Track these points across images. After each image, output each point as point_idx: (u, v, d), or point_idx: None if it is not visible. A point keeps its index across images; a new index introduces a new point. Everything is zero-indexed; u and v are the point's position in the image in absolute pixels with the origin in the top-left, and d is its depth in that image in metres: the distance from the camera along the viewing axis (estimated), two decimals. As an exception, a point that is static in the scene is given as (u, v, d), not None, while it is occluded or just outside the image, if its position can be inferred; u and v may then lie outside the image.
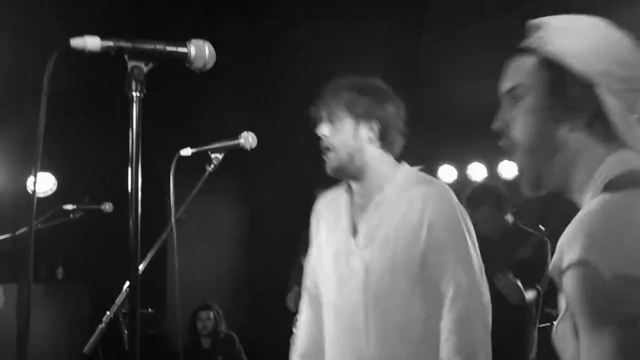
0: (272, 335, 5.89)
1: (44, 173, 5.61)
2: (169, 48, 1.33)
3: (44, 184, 5.61)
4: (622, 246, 0.99)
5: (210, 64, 1.38)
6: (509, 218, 4.06)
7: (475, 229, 2.18)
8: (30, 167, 1.26)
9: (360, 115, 2.14)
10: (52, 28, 3.43)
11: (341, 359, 2.16)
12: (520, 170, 1.29)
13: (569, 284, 1.03)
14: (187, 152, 2.23)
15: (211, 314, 5.82)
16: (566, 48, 1.20)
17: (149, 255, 2.21)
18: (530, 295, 3.76)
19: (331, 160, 2.17)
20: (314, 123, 2.22)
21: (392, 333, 2.08)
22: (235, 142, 2.32)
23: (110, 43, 1.27)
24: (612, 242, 1.00)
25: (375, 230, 2.14)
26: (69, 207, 3.98)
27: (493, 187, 4.39)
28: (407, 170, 2.23)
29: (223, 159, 2.33)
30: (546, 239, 3.92)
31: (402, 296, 2.08)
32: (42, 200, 5.44)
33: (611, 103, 1.17)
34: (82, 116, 5.47)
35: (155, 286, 5.94)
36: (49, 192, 5.63)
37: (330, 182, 2.34)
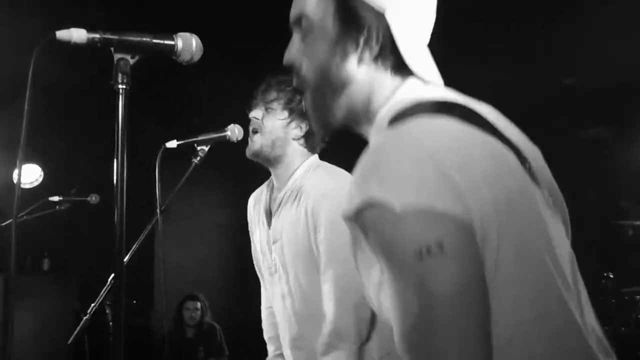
0: (257, 327, 5.91)
1: (30, 164, 5.58)
2: (156, 41, 1.33)
3: (30, 175, 5.58)
4: (405, 177, 0.93)
5: (197, 56, 1.38)
6: None
7: None
8: (15, 158, 1.26)
9: (295, 112, 2.26)
10: (38, 19, 3.41)
11: (282, 334, 2.33)
12: (309, 108, 1.22)
13: (369, 227, 0.94)
14: (173, 144, 2.23)
15: (198, 304, 5.84)
16: None
17: (134, 247, 2.21)
18: None
19: (255, 143, 2.27)
20: (250, 106, 2.31)
21: (314, 320, 2.17)
22: (222, 134, 2.32)
23: (97, 35, 1.27)
24: (394, 174, 0.93)
25: (279, 226, 2.25)
26: (55, 198, 3.97)
27: None
28: (309, 162, 2.30)
29: (209, 151, 2.33)
30: None
31: (316, 288, 2.16)
32: (28, 191, 5.42)
33: (400, 28, 1.12)
34: (70, 108, 5.44)
35: (142, 278, 5.95)
36: (35, 184, 5.60)
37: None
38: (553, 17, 4.43)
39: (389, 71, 1.15)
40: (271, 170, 2.35)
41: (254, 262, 2.54)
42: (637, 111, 5.81)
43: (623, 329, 4.82)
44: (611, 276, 5.12)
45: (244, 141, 2.36)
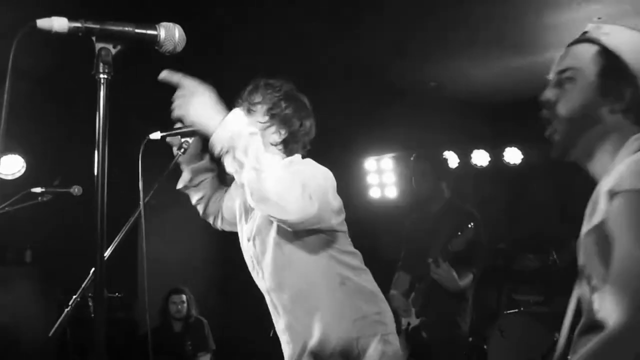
0: (242, 321, 5.91)
1: (12, 155, 5.53)
2: (138, 30, 1.31)
3: (12, 166, 5.53)
4: None
5: (180, 46, 1.37)
6: (446, 190, 4.34)
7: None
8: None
9: (276, 118, 2.29)
10: (18, 8, 3.37)
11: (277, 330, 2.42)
12: (553, 134, 1.52)
13: (624, 202, 1.25)
14: (156, 135, 2.21)
15: (184, 297, 5.82)
16: (622, 43, 1.46)
17: (117, 239, 2.19)
18: (465, 281, 4.05)
19: None
20: (233, 105, 2.29)
21: (292, 314, 2.30)
22: (206, 126, 2.30)
23: (78, 24, 1.26)
24: None
25: (252, 224, 2.34)
26: (38, 189, 3.93)
27: (437, 155, 4.96)
28: (286, 161, 2.32)
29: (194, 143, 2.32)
30: (474, 219, 4.12)
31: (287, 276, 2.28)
32: (10, 182, 5.37)
33: None
34: (53, 98, 5.38)
35: (126, 270, 5.91)
36: (18, 175, 5.56)
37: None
38: (541, 13, 4.44)
39: (633, 122, 1.45)
40: None
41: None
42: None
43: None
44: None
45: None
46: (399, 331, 4.32)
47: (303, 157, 2.36)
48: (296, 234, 2.20)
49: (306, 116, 2.36)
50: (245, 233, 2.39)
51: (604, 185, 1.34)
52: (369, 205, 7.40)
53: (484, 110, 5.79)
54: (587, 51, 1.50)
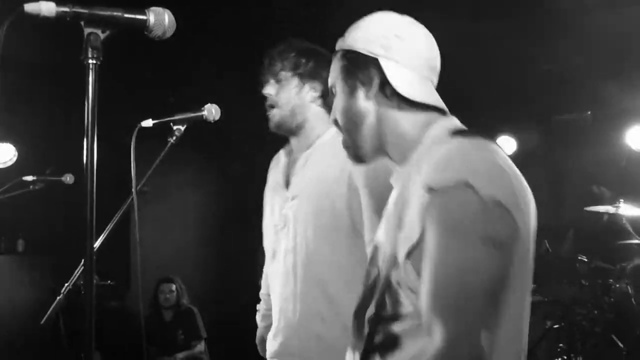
0: (235, 310, 5.91)
1: (4, 144, 5.50)
2: (127, 15, 1.30)
3: (4, 155, 5.50)
4: (499, 178, 1.19)
5: (170, 32, 1.36)
6: None
7: None
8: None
9: (305, 76, 2.29)
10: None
11: (273, 298, 2.35)
12: (345, 147, 1.56)
13: (450, 201, 1.18)
14: (148, 123, 2.20)
15: (173, 286, 5.81)
16: (353, 38, 1.48)
17: (109, 227, 2.19)
18: None
19: (274, 116, 2.31)
20: (261, 85, 2.33)
21: (312, 280, 2.21)
22: (199, 114, 2.29)
23: (66, 9, 1.24)
24: (491, 172, 1.19)
25: (301, 182, 2.28)
26: (29, 178, 3.91)
27: None
28: (336, 129, 2.31)
29: (186, 131, 2.30)
30: None
31: (323, 248, 2.20)
32: (1, 171, 5.34)
33: (391, 69, 1.42)
34: (45, 85, 5.35)
35: (118, 259, 5.91)
36: (9, 163, 5.53)
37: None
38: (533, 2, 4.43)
39: (393, 103, 1.45)
40: (292, 138, 2.39)
41: (265, 234, 2.51)
42: (614, 97, 5.86)
43: (596, 312, 4.89)
44: (585, 260, 5.17)
45: (221, 121, 2.34)
46: None
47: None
48: None
49: (329, 63, 2.36)
50: (285, 195, 2.32)
51: (418, 177, 1.29)
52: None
53: (477, 99, 5.79)
54: (334, 63, 1.56)
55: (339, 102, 1.53)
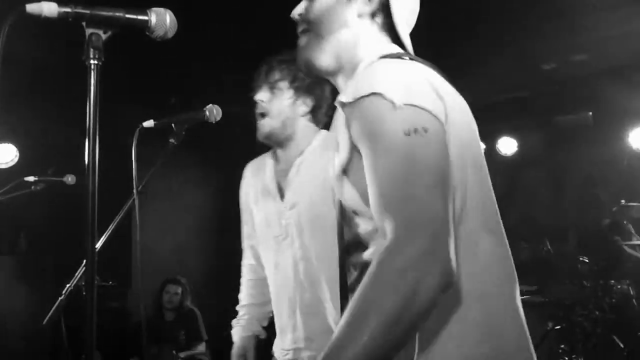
0: (235, 311, 5.90)
1: (5, 144, 5.51)
2: (129, 16, 1.30)
3: (5, 155, 5.51)
4: (407, 86, 1.18)
5: (171, 32, 1.36)
6: None
7: None
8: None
9: (300, 90, 2.32)
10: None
11: (277, 306, 2.37)
12: (303, 47, 1.46)
13: (364, 110, 1.18)
14: (149, 123, 2.19)
15: (179, 289, 5.82)
16: None
17: (110, 228, 2.19)
18: None
19: (264, 126, 2.33)
20: (254, 89, 2.35)
21: (321, 287, 2.23)
22: (200, 114, 2.29)
23: (68, 9, 1.24)
24: (401, 81, 1.18)
25: (298, 190, 2.30)
26: (31, 178, 3.92)
27: None
28: (324, 134, 2.38)
29: (187, 131, 2.30)
30: None
31: (331, 251, 2.16)
32: (3, 171, 5.35)
33: None
34: (46, 86, 5.36)
35: (119, 259, 5.91)
36: (11, 164, 5.54)
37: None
38: (534, 2, 4.43)
39: (380, 30, 1.41)
40: (280, 150, 2.41)
41: (245, 234, 2.58)
42: (615, 98, 5.86)
43: (598, 313, 4.89)
44: (586, 261, 5.17)
45: (222, 122, 2.34)
46: None
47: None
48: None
49: (324, 81, 2.38)
50: (281, 205, 2.34)
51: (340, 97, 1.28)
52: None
53: (479, 100, 5.79)
54: None
55: (322, 2, 1.43)
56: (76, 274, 2.25)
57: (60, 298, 2.32)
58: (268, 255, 2.41)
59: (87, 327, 1.20)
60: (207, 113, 2.29)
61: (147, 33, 1.33)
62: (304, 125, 2.35)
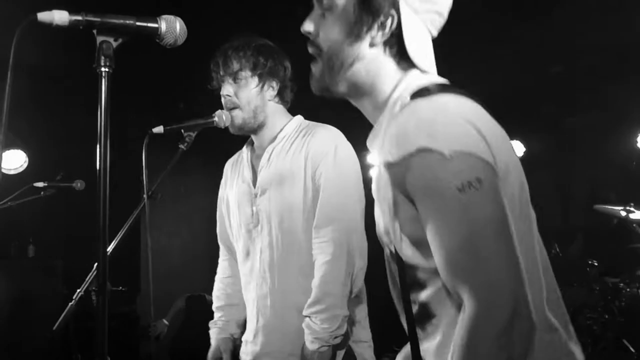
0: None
1: (15, 150, 5.54)
2: (139, 23, 1.31)
3: (15, 161, 5.53)
4: (453, 130, 1.17)
5: (181, 39, 1.37)
6: None
7: None
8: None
9: (264, 75, 2.32)
10: (18, 0, 3.36)
11: (245, 294, 2.40)
12: (317, 74, 1.40)
13: (416, 169, 1.16)
14: (159, 129, 2.21)
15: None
16: None
17: (120, 233, 2.20)
18: None
19: (236, 118, 2.32)
20: (215, 82, 2.36)
21: (292, 271, 2.26)
22: (209, 120, 2.30)
23: (79, 17, 1.25)
24: (445, 129, 1.17)
25: (268, 176, 2.31)
26: (40, 184, 3.94)
27: None
28: (297, 120, 2.40)
29: (196, 137, 2.31)
30: None
31: (299, 237, 2.24)
32: (13, 177, 5.37)
33: (408, 18, 1.33)
34: (56, 92, 5.39)
35: (129, 264, 5.92)
36: (20, 170, 5.56)
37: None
38: (542, 4, 4.43)
39: (395, 57, 1.36)
40: (254, 136, 2.42)
41: (218, 232, 2.64)
42: (623, 100, 5.84)
43: (607, 316, 4.86)
44: (595, 264, 5.15)
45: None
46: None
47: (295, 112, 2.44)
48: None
49: (283, 58, 2.39)
50: (252, 189, 2.37)
51: (378, 159, 1.29)
52: (371, 199, 7.41)
53: (486, 102, 5.78)
54: None
55: (334, 29, 1.36)
56: (86, 279, 2.25)
57: (70, 303, 2.33)
58: (239, 244, 2.43)
59: (99, 332, 1.21)
60: (217, 118, 2.30)
61: (157, 40, 1.34)
62: (273, 108, 2.36)
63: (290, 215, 2.24)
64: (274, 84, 2.34)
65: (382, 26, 1.33)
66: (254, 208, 2.32)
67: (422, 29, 1.36)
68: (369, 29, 1.33)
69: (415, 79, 1.34)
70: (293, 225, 2.24)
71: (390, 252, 1.35)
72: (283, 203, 2.25)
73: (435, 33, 1.41)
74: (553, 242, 5.48)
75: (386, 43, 1.35)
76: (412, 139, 1.17)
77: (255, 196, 2.33)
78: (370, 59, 1.35)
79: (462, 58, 5.26)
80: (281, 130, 2.35)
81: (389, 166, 1.22)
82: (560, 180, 6.64)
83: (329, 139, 2.26)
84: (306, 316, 2.16)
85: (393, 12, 1.32)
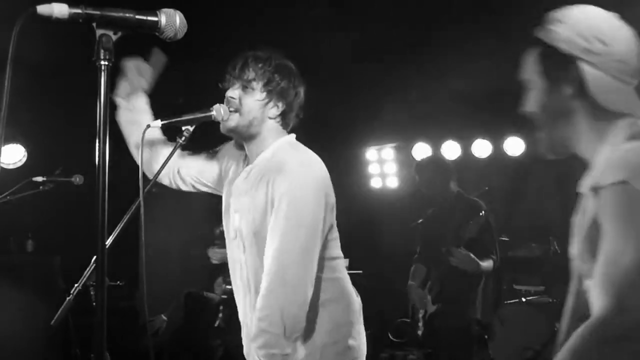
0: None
1: (14, 145, 5.53)
2: (139, 17, 1.31)
3: (13, 155, 5.53)
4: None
5: (181, 33, 1.37)
6: (453, 186, 4.53)
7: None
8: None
9: (273, 93, 2.29)
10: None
11: (238, 305, 2.41)
12: (540, 138, 1.60)
13: (608, 196, 1.34)
14: (157, 123, 2.20)
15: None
16: (556, 33, 1.51)
17: (118, 228, 2.19)
18: (486, 264, 4.25)
19: (232, 120, 2.29)
20: (225, 81, 2.32)
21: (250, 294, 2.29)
22: (207, 114, 2.29)
23: (78, 10, 1.25)
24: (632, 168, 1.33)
25: (240, 199, 2.31)
26: (39, 179, 3.94)
27: (438, 157, 5.44)
28: (281, 141, 2.34)
29: (195, 131, 2.31)
30: (483, 208, 4.35)
31: (261, 264, 2.23)
32: (11, 171, 5.37)
33: (590, 74, 1.46)
34: (54, 86, 5.37)
35: (127, 259, 5.91)
36: (19, 164, 5.56)
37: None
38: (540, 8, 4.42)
39: (595, 107, 1.49)
40: (244, 144, 2.38)
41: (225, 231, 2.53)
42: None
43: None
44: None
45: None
46: (417, 320, 4.54)
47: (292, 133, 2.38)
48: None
49: (299, 84, 2.37)
50: (231, 202, 2.38)
51: (588, 182, 1.44)
52: (370, 195, 7.40)
53: (488, 99, 5.78)
54: (531, 57, 1.59)
55: (537, 98, 1.57)
56: (84, 273, 2.25)
57: (68, 298, 2.32)
58: (228, 252, 2.45)
59: (98, 327, 1.20)
60: (215, 112, 2.28)
61: (157, 34, 1.34)
62: (271, 126, 2.32)
63: (257, 240, 2.25)
64: (280, 104, 2.31)
65: (572, 82, 1.52)
66: (233, 222, 2.35)
67: (613, 82, 1.50)
68: (562, 84, 1.54)
69: (631, 122, 1.50)
70: (261, 249, 2.24)
71: None
72: (250, 229, 2.26)
73: (635, 81, 1.54)
74: (552, 239, 5.48)
75: (581, 95, 1.51)
76: (617, 172, 1.37)
77: (234, 212, 2.35)
78: (577, 109, 1.54)
79: (466, 54, 5.27)
80: (265, 149, 2.32)
81: (594, 190, 1.41)
82: (560, 178, 6.64)
83: (293, 173, 2.21)
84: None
85: (574, 69, 1.51)
